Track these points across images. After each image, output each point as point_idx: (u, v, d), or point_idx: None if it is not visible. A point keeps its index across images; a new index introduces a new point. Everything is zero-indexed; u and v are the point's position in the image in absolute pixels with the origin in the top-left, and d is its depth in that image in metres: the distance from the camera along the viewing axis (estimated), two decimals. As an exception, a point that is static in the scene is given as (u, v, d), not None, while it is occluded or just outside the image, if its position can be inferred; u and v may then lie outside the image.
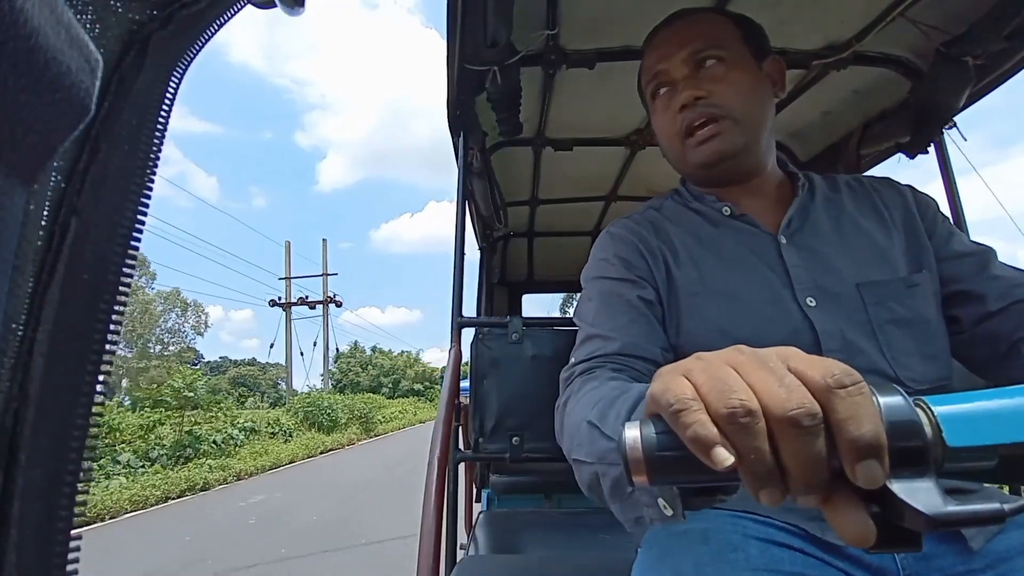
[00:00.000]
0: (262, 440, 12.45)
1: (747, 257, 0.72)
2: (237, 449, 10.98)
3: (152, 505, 7.04)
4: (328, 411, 15.87)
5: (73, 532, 0.23)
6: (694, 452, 0.30)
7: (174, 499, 7.46)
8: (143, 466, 8.60)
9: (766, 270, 0.70)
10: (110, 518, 6.33)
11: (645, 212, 0.84)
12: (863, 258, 0.70)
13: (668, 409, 0.31)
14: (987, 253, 0.72)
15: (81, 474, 0.23)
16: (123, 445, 9.03)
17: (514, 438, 1.26)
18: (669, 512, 0.37)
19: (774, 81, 0.77)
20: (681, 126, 0.73)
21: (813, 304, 0.67)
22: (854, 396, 0.29)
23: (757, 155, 0.75)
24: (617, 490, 0.50)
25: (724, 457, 0.29)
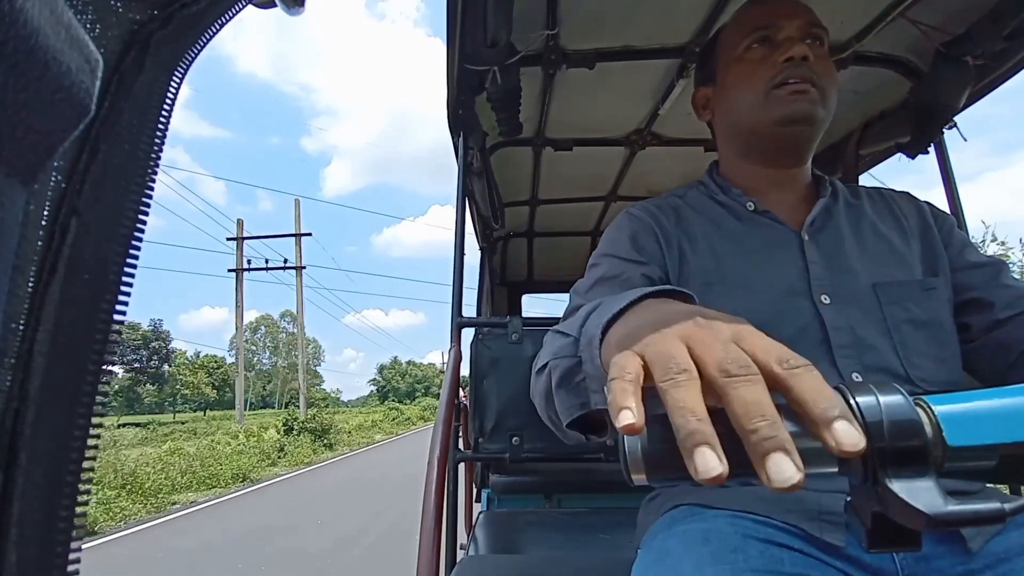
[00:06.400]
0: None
1: (767, 251, 0.73)
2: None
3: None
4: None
5: (74, 533, 0.23)
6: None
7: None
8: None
9: (785, 264, 0.72)
10: (368, 445, 17.53)
11: (668, 199, 0.84)
12: (881, 260, 0.72)
13: (609, 382, 0.32)
14: (999, 264, 0.73)
15: (82, 474, 0.23)
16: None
17: (514, 438, 1.26)
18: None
19: None
20: (777, 77, 0.72)
21: (827, 301, 0.68)
22: (808, 371, 0.30)
23: (816, 138, 0.77)
24: (565, 379, 0.51)
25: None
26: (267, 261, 19.65)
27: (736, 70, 0.77)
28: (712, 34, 0.86)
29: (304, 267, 19.65)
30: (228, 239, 19.45)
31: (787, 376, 0.30)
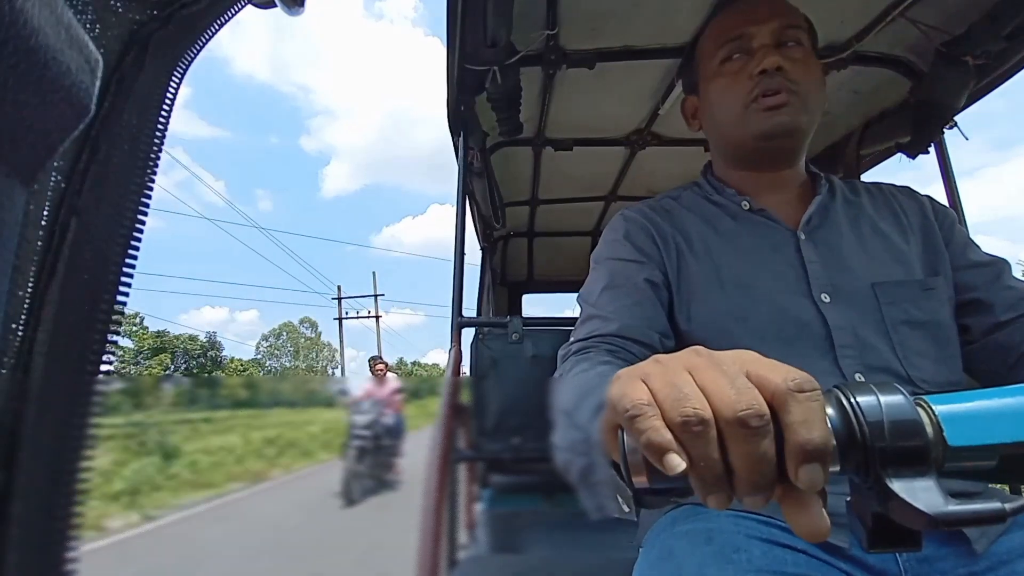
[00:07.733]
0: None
1: (764, 250, 0.73)
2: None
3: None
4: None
5: (72, 532, 0.23)
6: (648, 457, 0.31)
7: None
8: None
9: (783, 264, 0.71)
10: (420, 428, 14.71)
11: (662, 200, 0.84)
12: (880, 259, 0.71)
13: (624, 414, 0.32)
14: (1001, 264, 0.73)
15: (81, 474, 0.23)
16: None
17: (514, 438, 1.26)
18: (626, 509, 0.38)
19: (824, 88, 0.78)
20: (754, 90, 0.71)
21: (827, 300, 0.68)
22: (812, 401, 0.29)
23: (804, 144, 0.76)
24: (583, 479, 0.50)
25: (676, 463, 0.30)
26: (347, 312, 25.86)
27: (715, 85, 0.78)
28: (691, 42, 0.85)
29: (380, 316, 25.96)
30: (332, 298, 25.75)
31: (788, 398, 0.30)
